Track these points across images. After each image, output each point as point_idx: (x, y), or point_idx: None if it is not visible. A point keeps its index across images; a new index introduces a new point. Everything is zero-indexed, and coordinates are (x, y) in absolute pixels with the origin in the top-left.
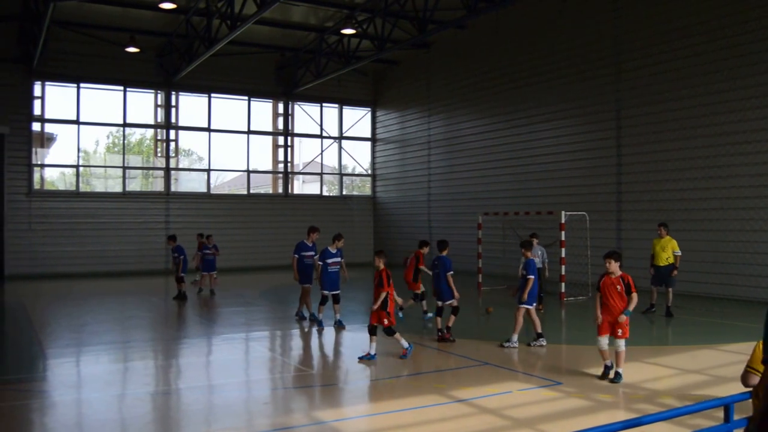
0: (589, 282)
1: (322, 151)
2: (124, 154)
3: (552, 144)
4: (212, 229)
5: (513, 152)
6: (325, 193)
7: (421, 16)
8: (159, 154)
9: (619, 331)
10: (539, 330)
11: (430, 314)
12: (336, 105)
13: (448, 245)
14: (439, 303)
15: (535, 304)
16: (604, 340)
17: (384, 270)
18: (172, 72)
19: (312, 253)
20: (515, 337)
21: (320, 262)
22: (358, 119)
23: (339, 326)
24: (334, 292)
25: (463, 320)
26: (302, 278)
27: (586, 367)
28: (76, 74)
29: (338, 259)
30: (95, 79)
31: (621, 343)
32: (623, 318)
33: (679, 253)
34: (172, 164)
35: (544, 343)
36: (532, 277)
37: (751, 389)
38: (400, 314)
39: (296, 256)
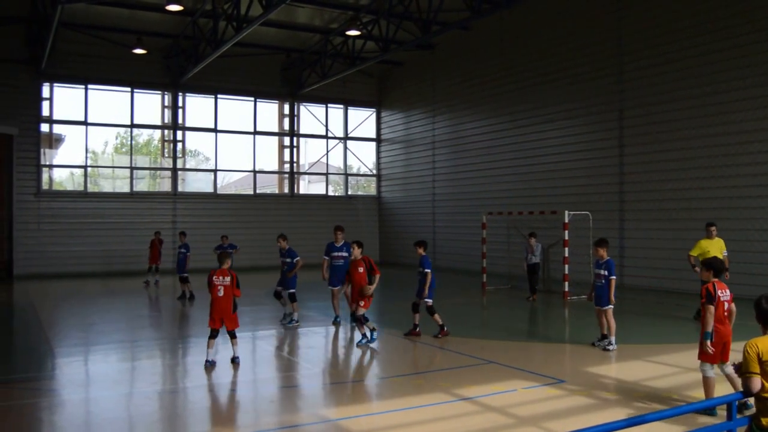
0: (592, 281)
1: (327, 151)
2: (131, 154)
3: (556, 144)
4: (219, 229)
5: (517, 152)
6: (330, 193)
7: (425, 18)
8: (166, 155)
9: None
10: (612, 333)
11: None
12: (341, 106)
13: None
14: (429, 301)
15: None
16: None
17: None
18: (178, 73)
19: (342, 253)
20: (614, 339)
21: (326, 257)
22: (363, 120)
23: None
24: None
25: (467, 319)
26: (331, 280)
27: (589, 366)
28: (83, 75)
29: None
30: (103, 81)
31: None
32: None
33: (726, 254)
34: (179, 165)
35: (613, 346)
36: (614, 277)
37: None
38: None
39: (326, 258)
